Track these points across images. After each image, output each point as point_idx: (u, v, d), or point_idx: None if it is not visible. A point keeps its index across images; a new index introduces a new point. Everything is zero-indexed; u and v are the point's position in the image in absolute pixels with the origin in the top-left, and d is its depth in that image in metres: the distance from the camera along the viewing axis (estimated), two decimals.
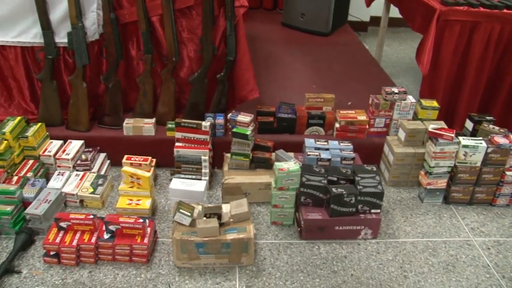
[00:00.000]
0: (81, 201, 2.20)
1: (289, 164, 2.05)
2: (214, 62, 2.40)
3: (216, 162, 2.44)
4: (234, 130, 2.25)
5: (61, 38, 2.34)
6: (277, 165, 2.04)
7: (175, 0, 2.26)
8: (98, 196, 2.18)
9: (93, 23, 2.30)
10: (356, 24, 4.44)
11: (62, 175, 2.26)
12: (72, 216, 1.93)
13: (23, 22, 2.32)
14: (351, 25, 4.28)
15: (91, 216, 1.92)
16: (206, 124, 2.26)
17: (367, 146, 2.47)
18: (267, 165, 2.29)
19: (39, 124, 2.36)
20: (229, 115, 2.38)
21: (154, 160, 2.38)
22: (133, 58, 2.44)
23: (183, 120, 2.27)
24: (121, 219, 1.91)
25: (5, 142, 2.20)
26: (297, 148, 2.39)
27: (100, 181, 2.24)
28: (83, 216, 1.92)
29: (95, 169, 2.35)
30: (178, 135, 2.29)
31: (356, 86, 2.98)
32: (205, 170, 2.30)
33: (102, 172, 2.38)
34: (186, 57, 2.43)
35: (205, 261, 1.89)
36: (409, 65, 3.99)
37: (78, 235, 1.92)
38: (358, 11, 4.39)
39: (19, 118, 2.31)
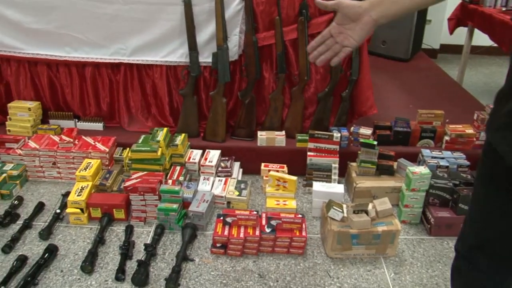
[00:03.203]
0: (228, 203, 2.55)
1: (420, 168, 2.40)
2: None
3: (339, 170, 2.78)
4: (362, 141, 2.60)
5: (204, 58, 2.72)
6: (410, 169, 2.39)
7: (308, 26, 2.66)
8: (245, 198, 2.52)
9: (235, 45, 2.69)
10: (426, 51, 4.84)
11: (208, 180, 2.62)
12: (238, 212, 2.27)
13: (172, 44, 2.71)
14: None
15: (255, 212, 2.27)
16: (337, 135, 2.62)
17: (472, 156, 2.80)
18: (390, 171, 2.64)
19: (183, 134, 2.72)
20: (351, 128, 2.76)
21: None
22: (264, 77, 2.82)
23: (316, 131, 2.63)
24: (282, 215, 2.25)
25: (160, 149, 2.56)
26: (410, 158, 2.73)
27: (242, 186, 2.59)
28: (247, 212, 2.27)
29: (234, 175, 2.70)
30: (311, 145, 2.65)
31: (447, 106, 3.34)
32: (335, 177, 2.64)
33: (238, 179, 2.74)
34: (313, 77, 2.81)
35: (355, 251, 2.22)
36: (483, 88, 4.39)
37: (242, 229, 2.26)
38: (429, 39, 4.80)
39: (166, 128, 2.68)
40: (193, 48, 2.68)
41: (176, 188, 2.38)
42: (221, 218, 2.27)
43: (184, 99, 2.78)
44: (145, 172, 2.48)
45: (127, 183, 2.38)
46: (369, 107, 2.84)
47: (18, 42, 2.78)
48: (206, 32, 2.67)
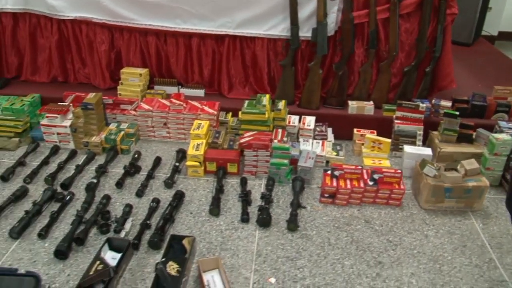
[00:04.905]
0: (327, 162, 2.98)
1: (503, 135, 2.82)
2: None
3: None
4: (446, 111, 3.03)
5: (304, 33, 3.14)
6: (494, 135, 2.81)
7: (399, 6, 3.08)
8: (342, 158, 2.96)
9: (333, 21, 3.10)
10: (485, 38, 5.20)
11: (307, 141, 3.05)
12: (345, 166, 2.70)
13: (275, 19, 3.13)
14: None
15: (360, 167, 2.70)
16: (423, 105, 3.05)
17: None
18: (469, 139, 3.05)
19: (283, 100, 3.15)
20: (433, 101, 3.18)
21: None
22: (354, 52, 3.23)
23: (404, 102, 3.06)
24: (384, 169, 2.68)
25: (266, 112, 3.00)
26: (485, 129, 3.13)
27: (338, 147, 3.02)
28: (353, 167, 2.70)
29: (329, 139, 3.13)
30: (398, 113, 3.08)
31: None
32: (419, 143, 3.07)
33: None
34: (399, 53, 3.23)
35: (447, 204, 2.64)
36: None
37: (348, 181, 2.68)
38: (488, 26, 5.19)
39: (268, 95, 3.11)
40: (294, 23, 3.09)
41: (287, 145, 2.81)
42: (329, 172, 2.70)
43: (283, 69, 3.21)
44: (255, 132, 2.91)
45: (242, 140, 2.81)
46: (449, 82, 3.27)
47: (132, 14, 3.21)
48: (307, 9, 3.09)
